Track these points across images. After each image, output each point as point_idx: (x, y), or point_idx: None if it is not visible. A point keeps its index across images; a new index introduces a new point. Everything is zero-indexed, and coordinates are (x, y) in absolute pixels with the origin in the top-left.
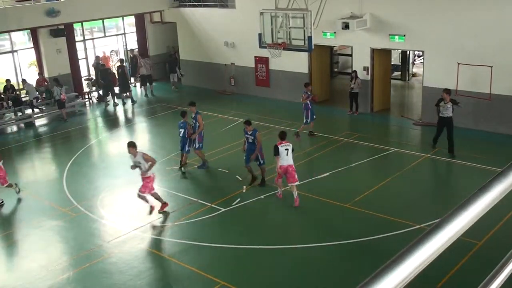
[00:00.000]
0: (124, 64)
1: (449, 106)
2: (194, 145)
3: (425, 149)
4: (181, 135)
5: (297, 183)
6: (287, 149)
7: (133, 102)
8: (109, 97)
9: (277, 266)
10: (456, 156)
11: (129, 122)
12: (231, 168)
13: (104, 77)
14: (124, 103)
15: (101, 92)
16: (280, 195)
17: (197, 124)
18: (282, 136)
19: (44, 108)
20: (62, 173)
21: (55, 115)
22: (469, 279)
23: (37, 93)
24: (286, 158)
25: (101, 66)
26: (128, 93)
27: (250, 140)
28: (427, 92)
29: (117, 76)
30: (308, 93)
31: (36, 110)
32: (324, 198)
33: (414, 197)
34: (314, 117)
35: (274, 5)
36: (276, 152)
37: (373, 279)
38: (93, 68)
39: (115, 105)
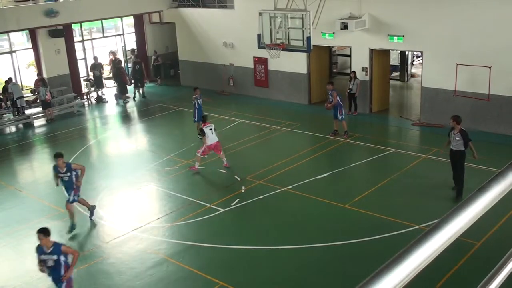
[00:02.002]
0: (123, 65)
1: (457, 138)
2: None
3: (423, 150)
4: None
5: (222, 153)
6: (211, 129)
7: (144, 97)
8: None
9: (276, 267)
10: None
11: (128, 122)
12: (230, 169)
13: (118, 75)
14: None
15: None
16: (196, 168)
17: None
18: (205, 118)
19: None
20: None
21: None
22: (468, 279)
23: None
24: (212, 136)
25: (117, 64)
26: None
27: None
28: (426, 92)
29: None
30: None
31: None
32: (323, 198)
33: (413, 197)
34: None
35: (273, 6)
36: (203, 133)
37: (372, 279)
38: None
39: (127, 101)
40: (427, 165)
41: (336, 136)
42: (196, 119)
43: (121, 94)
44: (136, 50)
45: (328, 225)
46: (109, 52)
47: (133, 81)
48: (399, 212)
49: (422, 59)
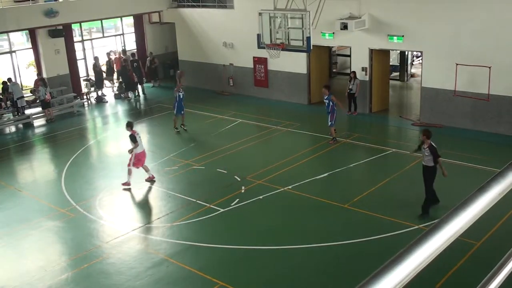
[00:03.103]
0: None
1: (427, 153)
2: None
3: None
4: None
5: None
6: (140, 136)
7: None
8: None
9: (276, 267)
10: (452, 156)
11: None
12: (229, 169)
13: (123, 74)
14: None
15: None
16: (129, 183)
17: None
18: (132, 125)
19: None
20: (61, 173)
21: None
22: (468, 279)
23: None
24: (141, 144)
25: (124, 61)
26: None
27: (326, 104)
28: (426, 92)
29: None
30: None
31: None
32: (322, 198)
33: (412, 197)
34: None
35: (272, 6)
36: (135, 139)
37: (372, 279)
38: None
39: (130, 98)
40: None
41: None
42: (175, 112)
43: (127, 91)
44: (125, 50)
45: (327, 225)
46: (109, 52)
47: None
48: (398, 212)
49: (422, 59)
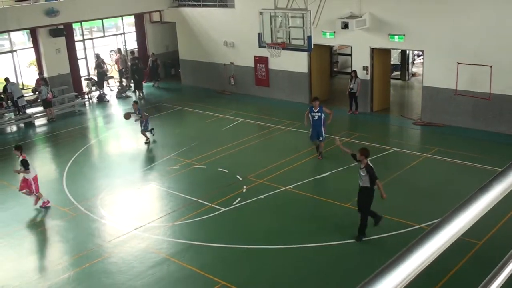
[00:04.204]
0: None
1: (363, 174)
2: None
3: (424, 149)
4: None
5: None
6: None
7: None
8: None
9: (277, 266)
10: (454, 155)
11: (130, 121)
12: (231, 168)
13: (138, 73)
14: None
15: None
16: (48, 202)
17: None
18: (21, 148)
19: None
20: (62, 172)
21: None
22: (469, 279)
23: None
24: (34, 169)
25: (133, 60)
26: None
27: (316, 118)
28: (427, 91)
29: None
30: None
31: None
32: (324, 197)
33: (414, 197)
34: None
35: (273, 5)
36: (27, 164)
37: (373, 279)
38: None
39: (141, 97)
40: (428, 164)
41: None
42: (146, 127)
43: (135, 90)
44: (122, 49)
45: (329, 225)
46: (112, 51)
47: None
48: (400, 211)
49: (423, 58)
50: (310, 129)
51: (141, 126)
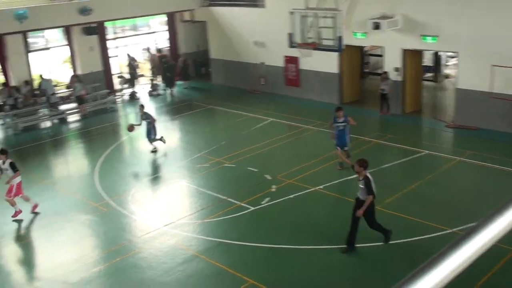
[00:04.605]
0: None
1: (361, 186)
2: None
3: (458, 152)
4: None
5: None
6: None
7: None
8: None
9: (305, 267)
10: (488, 159)
11: (161, 119)
12: (260, 167)
13: (170, 70)
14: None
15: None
16: (36, 205)
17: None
18: (6, 152)
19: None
20: (94, 168)
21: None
22: (503, 286)
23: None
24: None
25: (164, 58)
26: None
27: (341, 127)
28: (461, 94)
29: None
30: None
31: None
32: (354, 199)
33: (446, 200)
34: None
35: (304, 5)
36: (15, 167)
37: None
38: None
39: (172, 92)
40: (461, 167)
41: (342, 168)
42: (153, 136)
43: (168, 88)
44: (152, 48)
45: (359, 226)
46: (144, 50)
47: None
48: (431, 215)
49: (456, 59)
50: (335, 138)
51: (149, 134)
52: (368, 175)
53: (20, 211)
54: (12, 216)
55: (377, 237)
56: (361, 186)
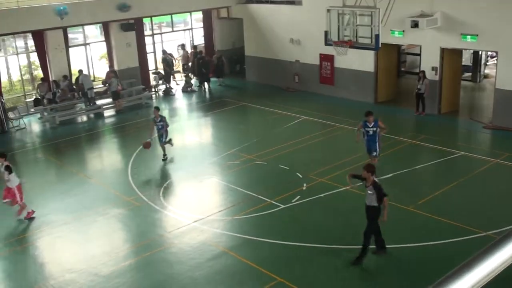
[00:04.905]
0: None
1: (370, 192)
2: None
3: (495, 154)
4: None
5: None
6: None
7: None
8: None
9: (335, 266)
10: None
11: (194, 115)
12: (291, 165)
13: (205, 66)
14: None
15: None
16: (32, 212)
17: None
18: (4, 155)
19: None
20: (128, 163)
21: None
22: None
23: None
24: (15, 177)
25: (199, 54)
26: (222, 78)
27: (371, 133)
28: (500, 94)
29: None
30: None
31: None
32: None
33: (481, 203)
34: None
35: (341, 2)
36: (10, 170)
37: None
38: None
39: (206, 89)
40: (498, 170)
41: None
42: (164, 139)
43: (202, 83)
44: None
45: (389, 227)
46: (179, 46)
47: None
48: (465, 217)
49: (496, 59)
50: (365, 144)
51: (160, 138)
52: (376, 179)
53: (33, 211)
54: (25, 218)
55: (405, 238)
56: (370, 192)
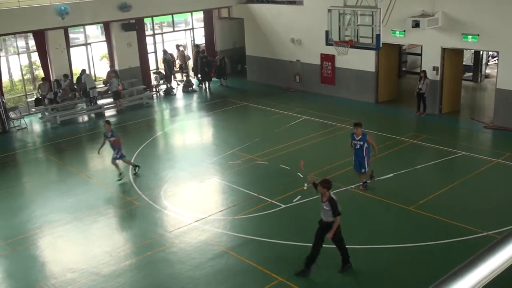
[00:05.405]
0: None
1: (326, 207)
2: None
3: (496, 154)
4: None
5: None
6: None
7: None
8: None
9: (335, 266)
10: None
11: (195, 115)
12: (292, 165)
13: (208, 65)
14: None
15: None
16: None
17: None
18: None
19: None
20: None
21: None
22: None
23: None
24: None
25: (202, 53)
26: (225, 78)
27: (358, 146)
28: (501, 94)
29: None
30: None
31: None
32: (387, 199)
33: (482, 203)
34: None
35: (342, 2)
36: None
37: (439, 285)
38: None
39: (207, 88)
40: (499, 170)
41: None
42: (116, 154)
43: (204, 82)
44: (182, 45)
45: (390, 227)
46: (177, 46)
47: (200, 75)
48: (466, 217)
49: (497, 59)
50: (353, 158)
51: (114, 154)
52: (333, 195)
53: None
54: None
55: (406, 238)
56: (326, 208)
